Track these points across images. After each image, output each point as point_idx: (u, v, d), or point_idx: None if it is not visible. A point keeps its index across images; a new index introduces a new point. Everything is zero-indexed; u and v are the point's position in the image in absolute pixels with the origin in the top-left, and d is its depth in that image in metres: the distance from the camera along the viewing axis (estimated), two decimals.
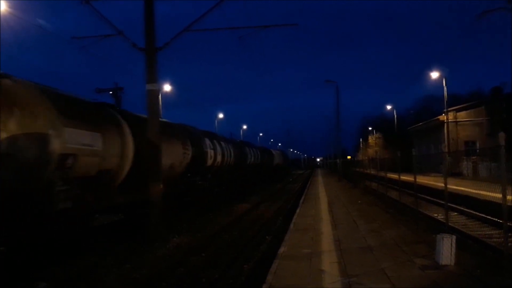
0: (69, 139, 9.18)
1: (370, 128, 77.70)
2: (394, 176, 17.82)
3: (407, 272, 6.96)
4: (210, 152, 21.44)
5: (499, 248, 7.19)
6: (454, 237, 7.35)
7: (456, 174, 31.08)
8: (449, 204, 10.21)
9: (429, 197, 16.11)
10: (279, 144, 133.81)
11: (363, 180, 27.78)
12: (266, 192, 32.31)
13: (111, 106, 13.00)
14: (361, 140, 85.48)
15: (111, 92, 25.87)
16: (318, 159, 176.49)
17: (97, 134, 10.43)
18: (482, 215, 12.28)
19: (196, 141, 19.09)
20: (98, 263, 9.72)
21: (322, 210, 16.15)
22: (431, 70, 37.58)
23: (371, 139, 74.86)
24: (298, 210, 16.28)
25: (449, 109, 38.81)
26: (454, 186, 16.55)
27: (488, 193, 8.34)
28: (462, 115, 40.85)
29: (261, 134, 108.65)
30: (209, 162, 21.33)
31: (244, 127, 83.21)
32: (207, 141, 21.40)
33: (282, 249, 9.03)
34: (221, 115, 61.51)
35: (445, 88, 36.78)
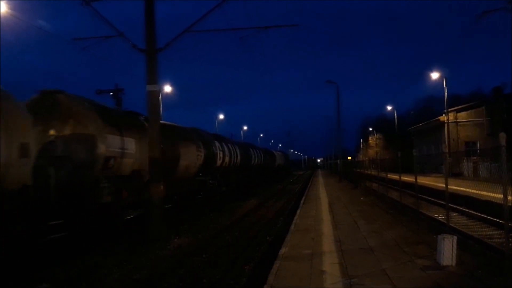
0: (111, 144, 11.08)
1: (370, 129, 77.70)
2: (394, 176, 17.81)
3: (408, 272, 6.96)
4: (219, 154, 23.17)
5: (500, 249, 7.18)
6: (455, 237, 7.35)
7: (457, 174, 31.08)
8: (450, 204, 10.21)
9: (430, 198, 16.11)
10: (280, 145, 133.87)
11: (364, 180, 27.76)
12: (268, 192, 32.54)
13: (139, 114, 14.68)
14: (361, 140, 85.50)
15: (111, 93, 25.92)
16: (318, 160, 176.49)
17: (132, 139, 12.47)
18: (483, 215, 12.28)
19: (207, 143, 20.70)
20: (99, 264, 9.73)
21: (323, 210, 16.15)
22: (432, 71, 37.61)
23: (371, 140, 74.86)
24: (299, 211, 16.28)
25: (450, 109, 38.79)
26: (455, 186, 16.55)
27: (488, 194, 8.35)
28: (463, 116, 40.83)
29: (261, 135, 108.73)
30: (218, 163, 23.00)
31: (245, 127, 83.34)
32: (217, 144, 23.13)
33: (283, 250, 9.03)
34: (221, 116, 61.59)
35: (445, 89, 36.79)
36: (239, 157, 28.68)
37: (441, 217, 12.26)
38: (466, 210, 13.71)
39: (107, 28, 13.48)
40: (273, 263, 7.96)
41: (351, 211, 15.58)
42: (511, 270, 6.07)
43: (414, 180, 12.60)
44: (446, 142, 37.27)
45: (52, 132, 10.07)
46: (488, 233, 10.35)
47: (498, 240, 8.91)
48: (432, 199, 15.97)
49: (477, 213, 12.88)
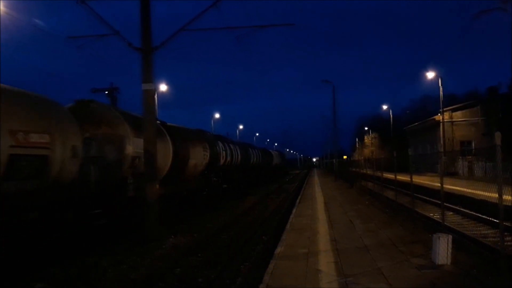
0: (136, 146, 12.60)
1: (366, 128, 77.85)
2: (390, 176, 17.86)
3: (403, 271, 6.97)
4: (222, 153, 25.14)
5: (495, 248, 7.21)
6: (450, 236, 7.37)
7: (452, 173, 31.22)
8: (445, 204, 10.24)
9: (425, 197, 16.16)
10: (276, 144, 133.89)
11: (360, 180, 27.83)
12: (264, 191, 32.78)
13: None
14: (357, 140, 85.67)
15: (106, 92, 25.83)
16: (314, 159, 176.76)
17: None
18: (477, 214, 12.33)
19: (211, 144, 22.44)
20: (96, 264, 9.70)
21: (318, 209, 16.16)
22: (427, 70, 37.67)
23: (367, 139, 75.03)
24: (294, 210, 16.29)
25: (445, 109, 38.92)
26: (450, 185, 16.61)
27: (483, 193, 8.39)
28: (458, 115, 41.00)
29: (257, 134, 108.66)
30: (221, 161, 24.83)
31: (241, 127, 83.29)
32: (220, 144, 25.08)
33: (278, 249, 9.02)
34: (217, 115, 61.48)
35: (440, 88, 36.89)
36: (239, 157, 30.24)
37: (436, 216, 12.31)
38: (461, 209, 13.77)
39: (103, 27, 13.41)
40: (269, 262, 7.96)
41: (346, 210, 15.60)
42: (506, 269, 6.09)
43: (409, 179, 12.64)
44: (442, 142, 37.43)
45: (87, 135, 11.38)
46: (483, 232, 10.41)
47: (493, 239, 8.95)
48: (428, 198, 16.02)
49: (472, 212, 12.93)
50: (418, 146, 48.25)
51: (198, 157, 19.21)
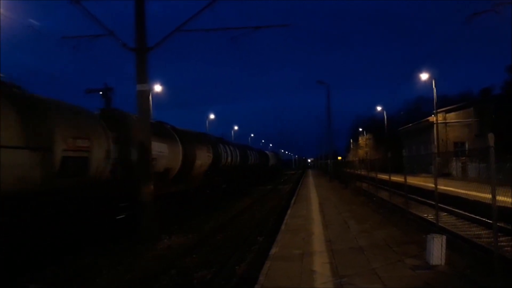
0: (154, 149, 13.90)
1: (360, 129, 78.09)
2: (384, 176, 17.92)
3: (398, 272, 7.00)
4: (224, 155, 27.14)
5: (489, 248, 7.25)
6: (444, 237, 7.41)
7: (446, 174, 31.35)
8: (439, 204, 10.29)
9: (419, 198, 16.23)
10: (271, 145, 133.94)
11: (354, 181, 27.90)
12: (260, 191, 33.13)
13: (165, 123, 18.31)
14: (351, 140, 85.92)
15: (101, 93, 25.72)
16: (309, 160, 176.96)
17: (165, 144, 15.77)
18: (471, 215, 12.40)
19: (214, 146, 24.51)
20: (90, 264, 9.67)
21: (313, 210, 16.19)
22: (422, 72, 37.88)
23: (361, 140, 75.27)
24: (289, 211, 16.30)
25: (439, 110, 39.13)
26: (444, 186, 16.69)
27: (477, 194, 8.43)
28: (452, 116, 41.23)
29: (252, 135, 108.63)
30: (223, 162, 26.73)
31: (236, 127, 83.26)
32: (221, 146, 27.19)
33: (273, 250, 9.03)
34: (212, 116, 61.48)
35: (434, 90, 37.11)
36: (238, 158, 32.01)
37: (430, 217, 12.36)
38: (455, 210, 13.84)
39: (97, 27, 13.37)
40: (264, 263, 7.96)
41: (341, 211, 15.64)
42: (499, 270, 6.12)
43: (403, 180, 12.69)
44: (435, 143, 37.62)
45: (113, 139, 12.53)
46: (476, 232, 10.46)
47: (487, 239, 9.00)
48: (422, 199, 16.08)
49: (465, 213, 13.01)
50: (412, 147, 48.48)
51: (203, 158, 20.92)
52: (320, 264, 7.68)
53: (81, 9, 12.74)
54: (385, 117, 63.34)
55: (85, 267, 9.50)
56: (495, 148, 6.24)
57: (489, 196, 6.34)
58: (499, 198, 6.34)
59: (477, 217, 11.76)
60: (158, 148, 14.87)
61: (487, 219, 10.01)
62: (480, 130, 36.77)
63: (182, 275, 9.06)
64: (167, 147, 15.92)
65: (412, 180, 16.93)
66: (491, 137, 6.23)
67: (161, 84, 33.99)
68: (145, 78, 12.85)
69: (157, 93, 33.84)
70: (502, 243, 8.54)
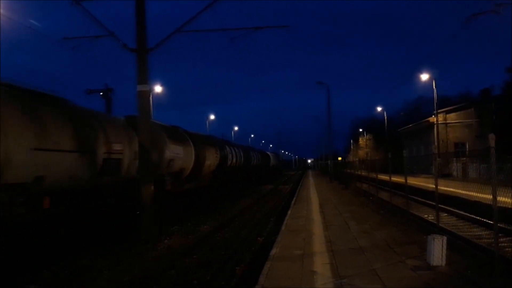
0: (171, 151, 16.34)
1: (360, 130, 78.04)
2: (384, 177, 17.91)
3: (398, 273, 6.99)
4: (229, 156, 29.23)
5: (489, 249, 7.25)
6: (445, 238, 7.40)
7: (446, 175, 31.34)
8: (439, 205, 10.29)
9: (419, 198, 16.22)
10: (271, 145, 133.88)
11: (354, 181, 27.89)
12: (261, 192, 33.04)
13: (178, 127, 20.07)
14: (351, 141, 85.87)
15: (101, 93, 25.73)
16: (309, 161, 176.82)
17: (180, 147, 17.87)
18: (472, 216, 12.39)
19: (221, 147, 26.64)
20: (91, 265, 9.66)
21: (313, 211, 16.18)
22: (422, 72, 37.84)
23: (361, 141, 75.24)
24: (289, 212, 16.29)
25: (439, 110, 39.10)
26: (444, 187, 16.67)
27: (477, 194, 8.42)
28: (452, 117, 41.20)
29: (252, 136, 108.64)
30: (228, 163, 28.83)
31: (236, 128, 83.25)
32: (227, 147, 29.33)
33: (274, 251, 9.02)
34: (212, 117, 61.47)
35: (435, 90, 37.08)
36: (242, 159, 34.04)
37: (431, 217, 12.35)
38: (455, 210, 13.82)
39: (98, 28, 13.39)
40: (264, 263, 7.95)
41: (341, 212, 15.62)
42: (500, 270, 6.12)
43: (404, 180, 12.68)
44: (436, 143, 37.60)
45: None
46: (477, 233, 10.47)
47: (487, 240, 9.01)
48: (422, 200, 16.08)
49: (466, 214, 12.99)
50: (412, 148, 48.45)
51: (212, 158, 23.12)
52: (321, 265, 7.67)
53: (82, 10, 12.76)
54: (385, 117, 63.35)
55: (85, 268, 9.49)
56: (496, 149, 6.24)
57: (490, 196, 6.34)
58: (500, 198, 6.35)
59: (478, 218, 11.75)
60: (175, 150, 16.97)
61: (488, 220, 10.01)
62: (481, 130, 36.76)
63: (182, 275, 9.06)
64: (182, 150, 18.07)
65: (413, 181, 16.93)
66: (492, 138, 6.23)
67: (161, 85, 33.96)
68: (146, 79, 12.85)
69: (157, 94, 33.79)
70: (503, 244, 8.54)
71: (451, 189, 16.86)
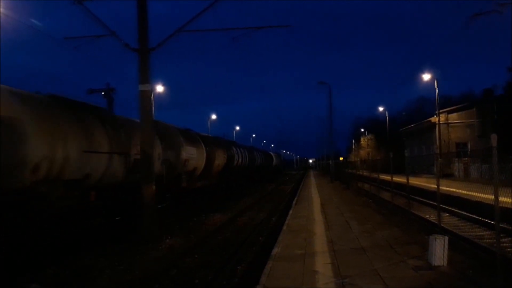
0: (187, 152, 18.43)
1: (362, 130, 77.97)
2: (386, 177, 17.90)
3: (400, 272, 6.99)
4: (236, 156, 31.04)
5: (491, 249, 7.23)
6: (446, 238, 7.39)
7: (448, 175, 31.30)
8: (441, 205, 10.27)
9: (421, 198, 16.20)
10: (272, 145, 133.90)
11: (356, 181, 27.86)
12: (262, 191, 33.17)
13: (190, 129, 22.21)
14: (353, 141, 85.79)
15: (103, 93, 25.74)
16: (310, 160, 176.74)
17: (194, 148, 19.95)
18: (473, 216, 12.36)
19: (228, 148, 28.79)
20: (92, 265, 9.67)
21: (315, 211, 16.17)
22: (423, 72, 37.79)
23: (363, 140, 75.13)
24: (291, 211, 16.29)
25: (441, 110, 39.05)
26: (446, 187, 16.65)
27: (479, 195, 8.40)
28: (454, 117, 41.12)
29: (254, 135, 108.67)
30: (235, 163, 30.69)
31: (237, 128, 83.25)
32: (234, 148, 31.33)
33: (275, 250, 9.03)
34: (214, 116, 61.39)
35: (436, 90, 37.05)
36: (247, 159, 35.77)
37: (432, 217, 12.33)
38: (457, 210, 13.79)
39: (99, 27, 13.38)
40: (265, 263, 7.95)
41: (343, 212, 15.62)
42: (502, 271, 6.11)
43: (405, 180, 12.67)
44: (437, 143, 37.56)
45: None
46: (479, 233, 10.43)
47: (489, 240, 8.98)
48: (424, 200, 16.05)
49: (468, 214, 12.96)
50: (414, 148, 48.39)
51: (220, 158, 25.22)
52: (322, 265, 7.67)
53: (83, 9, 12.75)
54: (387, 117, 63.28)
55: (86, 267, 9.49)
56: (498, 149, 6.23)
57: (492, 197, 6.33)
58: (501, 199, 6.33)
59: (480, 218, 11.73)
60: (190, 151, 18.90)
61: (490, 220, 9.99)
62: (483, 130, 36.72)
63: (183, 275, 9.06)
64: (196, 150, 20.01)
65: (414, 181, 16.94)
66: (494, 138, 6.22)
67: (163, 85, 33.94)
68: (147, 79, 12.84)
69: (158, 94, 33.79)
70: (505, 244, 8.51)
71: (453, 189, 16.83)
